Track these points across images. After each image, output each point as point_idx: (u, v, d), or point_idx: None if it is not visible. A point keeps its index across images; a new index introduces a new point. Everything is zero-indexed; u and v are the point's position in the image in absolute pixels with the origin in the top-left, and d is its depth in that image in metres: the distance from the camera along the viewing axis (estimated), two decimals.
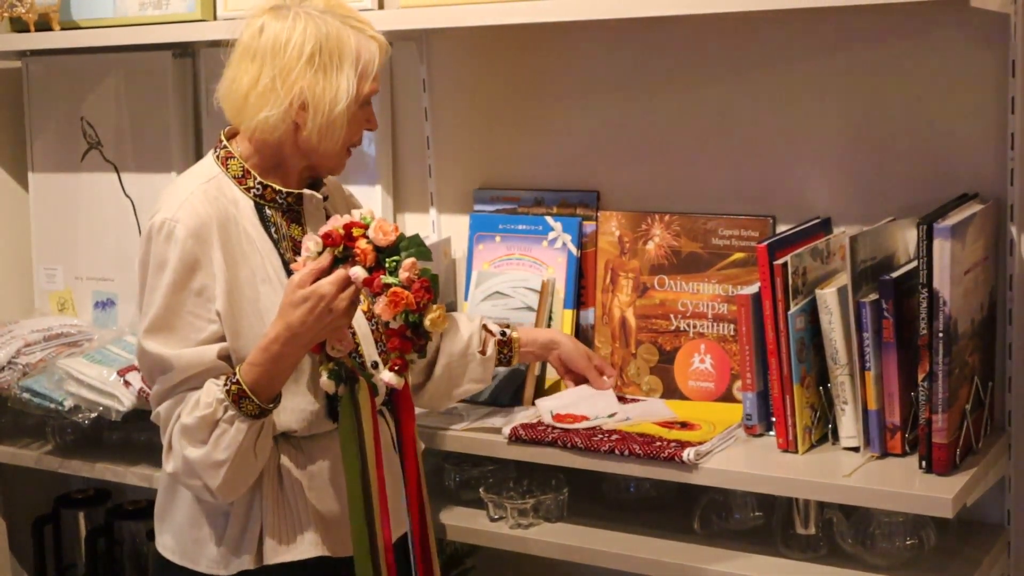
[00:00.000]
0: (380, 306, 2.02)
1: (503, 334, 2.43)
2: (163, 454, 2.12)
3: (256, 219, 2.15)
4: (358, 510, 2.09)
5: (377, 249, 2.02)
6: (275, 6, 2.12)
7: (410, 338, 2.06)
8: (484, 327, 2.43)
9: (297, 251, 2.12)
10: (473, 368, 2.41)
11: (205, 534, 2.15)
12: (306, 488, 2.16)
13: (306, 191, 2.18)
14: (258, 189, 2.16)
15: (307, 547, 2.14)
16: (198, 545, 2.16)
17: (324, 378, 2.09)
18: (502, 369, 2.57)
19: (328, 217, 2.15)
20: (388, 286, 2.01)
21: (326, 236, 2.02)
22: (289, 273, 2.09)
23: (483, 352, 2.41)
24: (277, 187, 2.16)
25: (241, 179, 2.16)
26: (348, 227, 2.03)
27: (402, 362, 2.09)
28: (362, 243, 2.02)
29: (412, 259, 2.02)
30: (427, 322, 2.04)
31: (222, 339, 2.08)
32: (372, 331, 2.22)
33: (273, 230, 2.16)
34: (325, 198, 2.22)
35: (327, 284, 2.01)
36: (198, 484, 2.07)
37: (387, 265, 2.02)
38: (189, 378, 2.06)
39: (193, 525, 2.17)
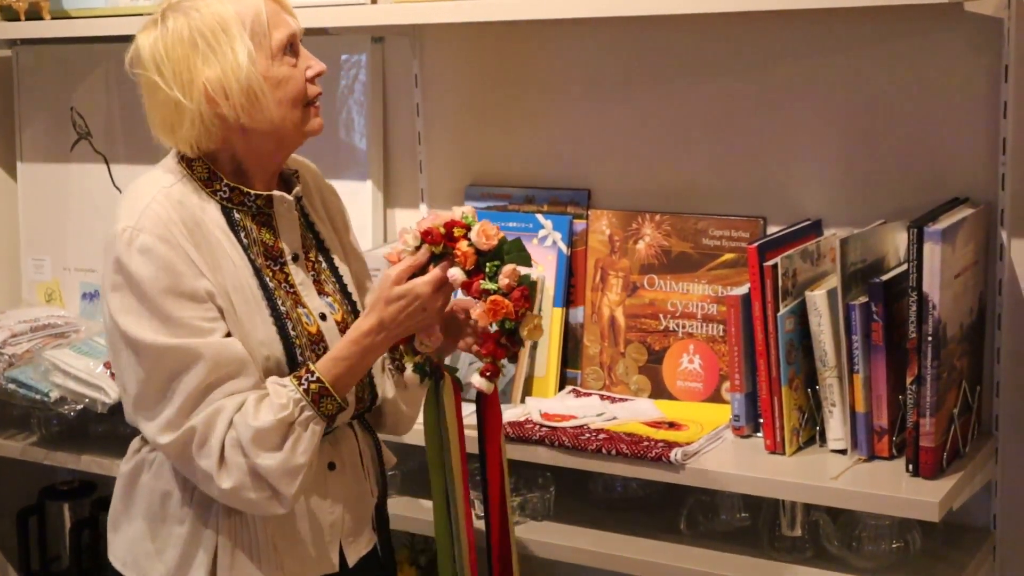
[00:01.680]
0: (478, 311, 1.98)
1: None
2: (212, 474, 1.92)
3: (224, 224, 2.03)
4: (441, 507, 2.09)
5: (478, 252, 1.97)
6: (143, 25, 2.03)
7: (504, 345, 2.01)
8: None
9: (270, 259, 2.06)
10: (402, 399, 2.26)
11: (160, 545, 2.05)
12: None
13: (276, 192, 2.07)
14: (225, 192, 2.04)
15: (267, 566, 2.04)
16: (151, 557, 2.06)
17: (409, 371, 2.07)
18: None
19: (306, 226, 2.13)
20: (487, 292, 1.97)
21: (426, 233, 1.98)
22: (261, 281, 2.02)
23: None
24: (246, 189, 2.05)
25: (207, 182, 2.04)
26: (449, 226, 1.98)
27: (494, 368, 2.03)
28: (463, 245, 1.97)
29: (513, 265, 1.97)
30: (524, 332, 2.00)
31: (230, 334, 1.96)
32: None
33: (243, 235, 2.04)
34: (298, 199, 2.13)
35: (423, 284, 1.97)
36: (265, 496, 1.93)
37: (487, 270, 1.97)
38: (225, 374, 1.92)
39: (147, 537, 2.07)
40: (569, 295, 2.67)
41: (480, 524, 2.22)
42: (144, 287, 1.91)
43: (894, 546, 2.28)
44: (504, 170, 2.74)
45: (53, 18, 3.10)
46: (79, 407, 2.92)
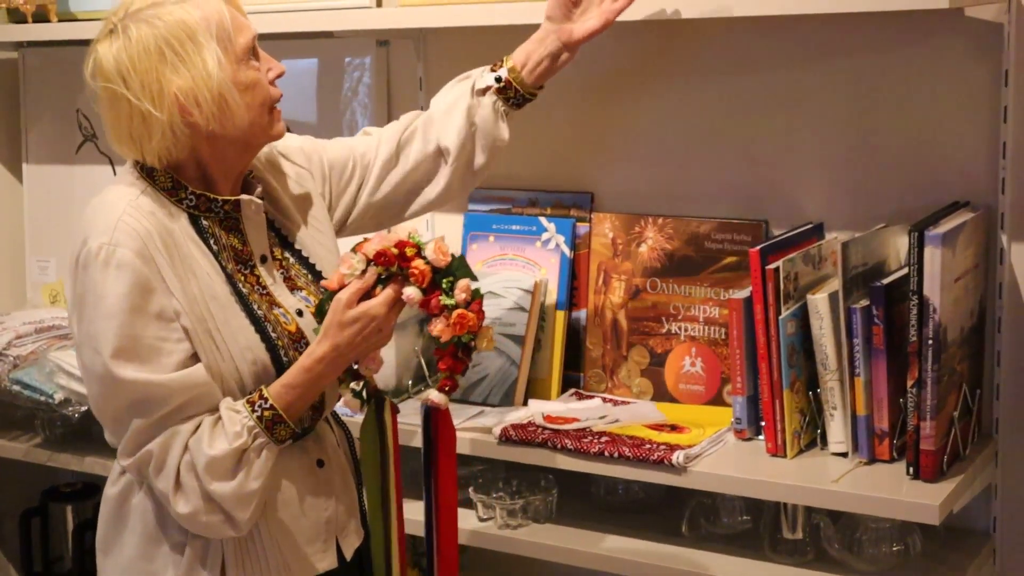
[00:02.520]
0: (439, 327, 1.97)
1: (499, 80, 2.26)
2: (168, 495, 1.93)
3: (194, 232, 2.00)
4: (378, 529, 2.07)
5: (434, 270, 1.97)
6: (100, 35, 1.98)
7: (461, 359, 2.01)
8: (478, 91, 2.27)
9: (240, 262, 2.04)
10: (479, 140, 2.27)
11: (157, 565, 2.03)
12: (269, 510, 2.03)
13: (243, 196, 2.04)
14: (192, 200, 2.00)
15: (272, 572, 2.03)
16: None
17: (348, 397, 2.05)
18: (494, 367, 2.59)
19: (270, 227, 2.11)
20: (447, 307, 1.97)
21: (378, 255, 1.96)
22: (234, 287, 2.01)
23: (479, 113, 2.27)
24: (212, 195, 2.01)
25: (172, 191, 2.00)
26: (401, 246, 1.97)
27: (452, 383, 2.04)
28: (419, 263, 1.96)
29: (467, 280, 1.98)
30: (483, 344, 2.00)
31: (196, 358, 1.94)
32: None
33: (212, 241, 2.01)
34: (262, 198, 2.09)
35: (379, 305, 1.96)
36: (218, 520, 1.93)
37: (443, 285, 1.97)
38: (182, 405, 1.92)
39: (144, 558, 2.04)
40: (572, 298, 2.67)
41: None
42: (118, 306, 1.89)
43: (895, 549, 2.29)
44: (507, 173, 2.75)
45: (60, 20, 3.11)
46: (83, 408, 2.91)
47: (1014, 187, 2.30)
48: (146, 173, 2.01)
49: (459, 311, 1.97)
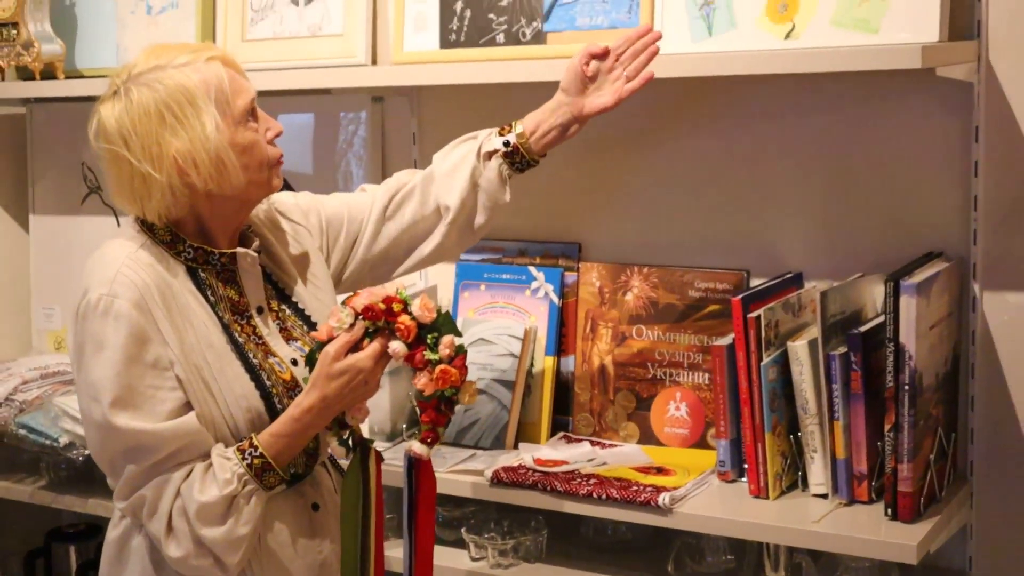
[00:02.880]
0: (423, 381, 1.98)
1: (507, 144, 2.23)
2: (160, 539, 1.94)
3: (191, 284, 2.01)
4: (350, 571, 2.05)
5: (419, 325, 1.97)
6: (104, 96, 2.00)
7: (444, 412, 2.01)
8: (485, 154, 2.25)
9: (237, 313, 2.05)
10: (481, 201, 2.26)
11: None
12: (264, 552, 2.04)
13: (239, 250, 2.05)
14: (190, 253, 2.01)
15: None
16: None
17: (335, 444, 2.05)
18: (485, 411, 2.59)
19: (266, 279, 2.11)
20: (430, 362, 1.97)
21: (366, 310, 1.96)
22: (230, 336, 2.01)
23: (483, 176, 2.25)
24: (209, 249, 2.02)
25: (171, 244, 2.01)
26: (388, 301, 1.97)
27: (434, 435, 2.03)
28: (405, 319, 1.97)
29: (451, 336, 1.98)
30: (465, 398, 2.01)
31: (189, 406, 1.95)
32: None
33: (209, 292, 2.02)
34: (259, 252, 2.10)
35: (366, 358, 1.96)
36: (208, 563, 1.94)
37: (428, 341, 1.98)
38: (174, 452, 1.93)
39: None
40: (560, 344, 2.67)
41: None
42: (115, 356, 1.90)
43: None
44: (498, 224, 2.73)
45: (66, 77, 3.13)
46: (87, 452, 2.88)
47: (985, 238, 2.32)
48: (146, 227, 2.02)
49: (442, 366, 1.97)
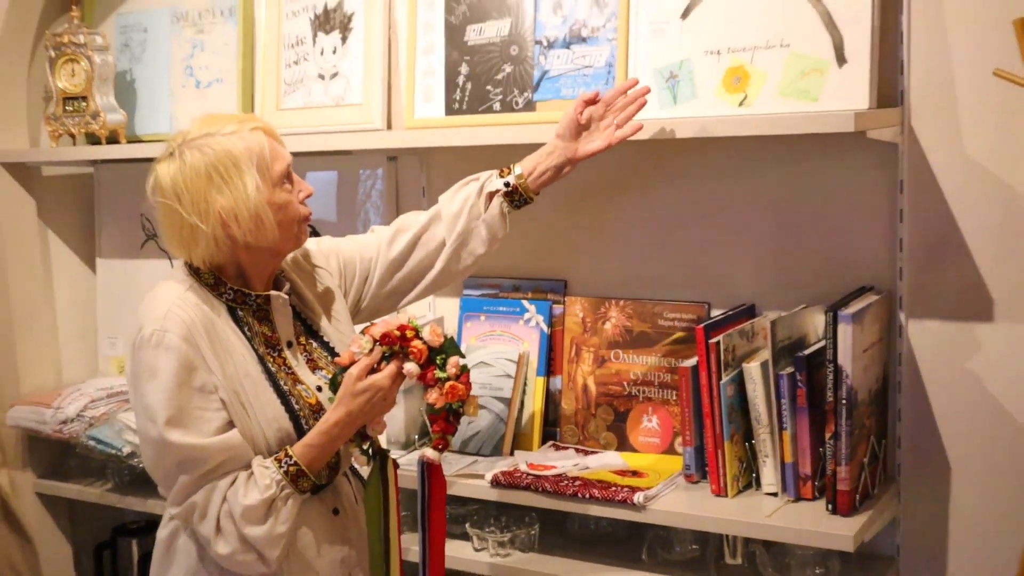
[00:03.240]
0: (434, 395, 1.97)
1: (507, 185, 2.20)
2: (209, 538, 1.93)
3: (231, 320, 2.00)
4: (378, 565, 2.04)
5: (430, 349, 1.97)
6: (161, 157, 1.99)
7: (452, 422, 2.00)
8: (487, 194, 2.23)
9: (270, 347, 2.03)
10: (478, 232, 2.23)
11: None
12: (292, 551, 2.02)
13: (272, 292, 2.04)
14: (230, 294, 2.01)
15: None
16: None
17: (357, 454, 2.03)
18: (485, 424, 2.57)
19: (296, 317, 2.10)
20: (440, 380, 1.97)
21: (383, 337, 1.96)
22: (264, 367, 2.00)
23: (486, 211, 2.22)
24: (247, 291, 2.02)
25: (214, 287, 2.00)
26: (402, 329, 1.97)
27: (444, 442, 2.02)
28: (418, 343, 1.96)
29: (456, 357, 1.97)
30: (470, 410, 2.00)
31: (231, 424, 1.95)
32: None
33: (246, 328, 2.01)
34: (289, 294, 2.09)
35: (384, 377, 1.95)
36: (252, 558, 1.93)
37: (437, 362, 1.97)
38: (220, 464, 1.92)
39: None
40: (549, 366, 2.66)
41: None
42: (167, 382, 1.89)
43: (817, 572, 2.28)
44: (495, 264, 2.75)
45: (128, 142, 3.14)
46: None
47: (909, 275, 2.31)
48: (193, 271, 2.02)
49: (451, 383, 1.97)
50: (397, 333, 1.97)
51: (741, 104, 2.30)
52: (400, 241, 2.25)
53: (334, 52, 2.85)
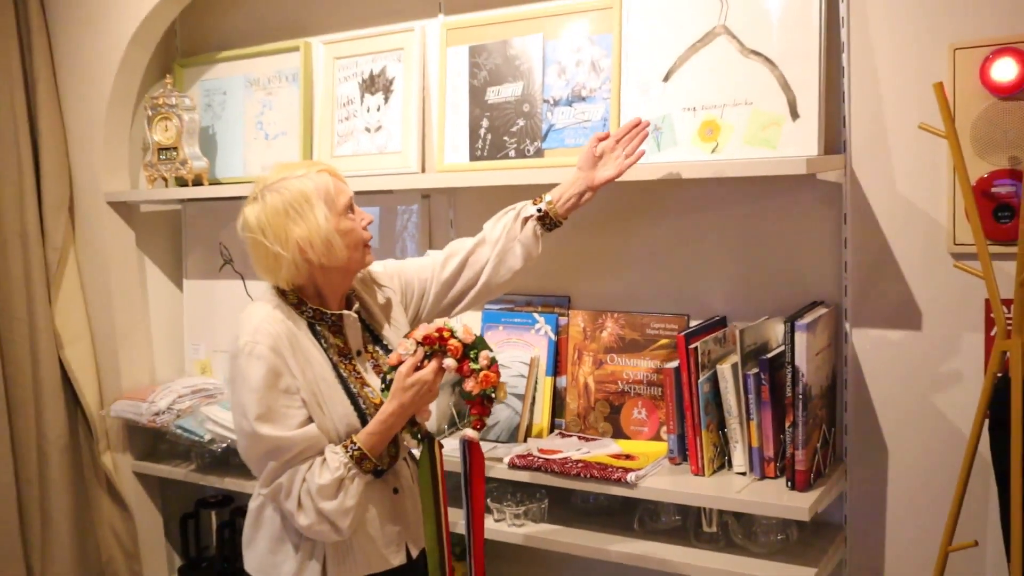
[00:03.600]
0: (470, 384, 1.97)
1: (539, 211, 2.21)
2: (293, 512, 1.94)
3: (310, 334, 2.00)
4: (432, 536, 2.03)
5: (464, 345, 1.98)
6: (247, 201, 2.00)
7: (486, 406, 1.99)
8: (522, 219, 2.22)
9: (342, 356, 2.03)
10: (514, 251, 2.22)
11: (281, 558, 2.04)
12: (359, 525, 2.02)
13: (345, 312, 2.04)
14: (310, 312, 2.01)
15: (359, 566, 2.03)
16: (275, 567, 2.04)
17: (408, 438, 2.04)
18: (504, 416, 2.57)
19: (364, 328, 2.09)
20: (475, 370, 1.97)
21: (425, 338, 1.96)
22: (337, 373, 2.00)
23: (521, 233, 2.21)
24: (324, 310, 2.03)
25: (297, 306, 2.01)
26: (440, 331, 1.97)
27: (481, 423, 2.01)
28: (454, 342, 1.97)
29: (486, 351, 1.98)
30: (500, 394, 2.00)
31: (310, 419, 1.96)
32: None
33: (322, 340, 2.01)
34: (358, 311, 2.08)
35: (429, 372, 1.95)
36: (327, 528, 1.94)
37: (471, 356, 1.98)
38: (301, 452, 1.93)
39: (272, 551, 2.05)
40: (556, 368, 2.66)
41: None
42: (257, 384, 1.91)
43: (779, 538, 2.29)
44: (513, 284, 2.75)
45: (210, 184, 3.16)
46: (224, 445, 2.93)
47: (853, 292, 2.32)
48: (280, 293, 2.03)
49: (483, 372, 1.97)
50: (436, 335, 1.98)
51: (713, 151, 2.31)
52: (451, 264, 2.25)
53: (378, 110, 2.88)
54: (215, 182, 3.19)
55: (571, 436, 2.59)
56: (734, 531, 2.31)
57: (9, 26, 3.16)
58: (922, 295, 2.25)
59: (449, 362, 1.97)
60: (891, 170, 2.25)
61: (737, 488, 2.19)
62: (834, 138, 2.28)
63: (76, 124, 3.25)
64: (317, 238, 1.95)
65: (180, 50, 3.36)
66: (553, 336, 2.67)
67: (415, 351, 1.98)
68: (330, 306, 2.05)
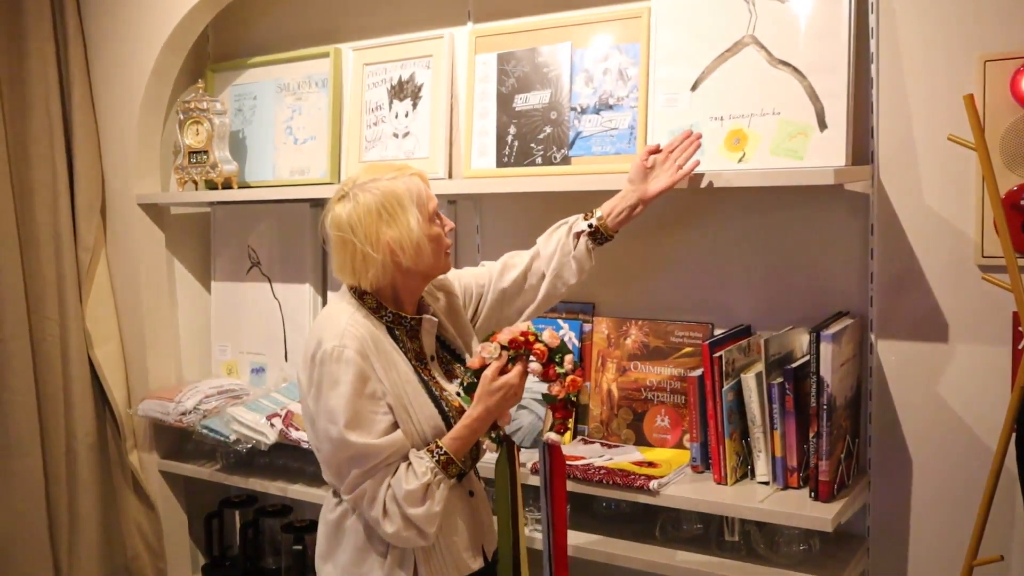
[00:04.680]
0: (556, 388, 1.95)
1: (590, 226, 2.19)
2: (378, 519, 1.89)
3: (389, 338, 1.97)
4: (507, 541, 2.01)
5: (550, 349, 1.95)
6: (338, 197, 1.96)
7: (569, 409, 1.98)
8: (574, 234, 2.20)
9: (418, 360, 2.00)
10: (569, 266, 2.20)
11: (367, 568, 1.98)
12: (445, 525, 1.99)
13: (425, 316, 2.02)
14: (389, 316, 1.98)
15: (449, 571, 1.99)
16: None
17: (488, 441, 2.01)
18: (527, 421, 2.56)
19: (438, 330, 2.06)
20: (561, 374, 1.95)
21: (512, 342, 1.94)
22: (419, 376, 1.97)
23: (575, 249, 2.19)
24: (403, 314, 1.99)
25: (375, 310, 1.98)
26: (525, 335, 1.95)
27: (564, 426, 2.00)
28: (539, 346, 1.94)
29: (570, 355, 1.95)
30: (584, 397, 1.99)
31: (395, 424, 1.92)
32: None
33: (400, 345, 1.98)
34: (434, 316, 2.06)
35: (515, 376, 1.92)
36: (413, 534, 1.90)
37: (556, 359, 1.95)
38: (386, 458, 1.89)
39: (356, 563, 1.99)
40: (580, 365, 2.65)
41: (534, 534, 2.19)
42: (346, 390, 1.87)
43: (802, 548, 2.27)
44: None
45: (239, 187, 3.16)
46: (248, 445, 2.92)
47: (879, 303, 2.30)
48: (357, 296, 1.99)
49: (571, 377, 1.95)
50: (522, 338, 1.95)
51: (740, 160, 2.30)
52: (509, 275, 2.24)
53: (406, 115, 2.87)
54: (244, 186, 3.19)
55: (594, 442, 2.58)
56: (756, 540, 2.29)
57: (47, 33, 3.19)
58: (949, 307, 2.23)
59: (535, 366, 1.94)
60: (919, 181, 2.23)
61: (760, 497, 2.17)
62: (862, 149, 2.26)
63: (109, 127, 3.27)
64: (408, 241, 1.92)
65: (212, 55, 3.38)
66: (577, 342, 2.66)
67: (499, 355, 1.95)
68: (406, 310, 2.01)
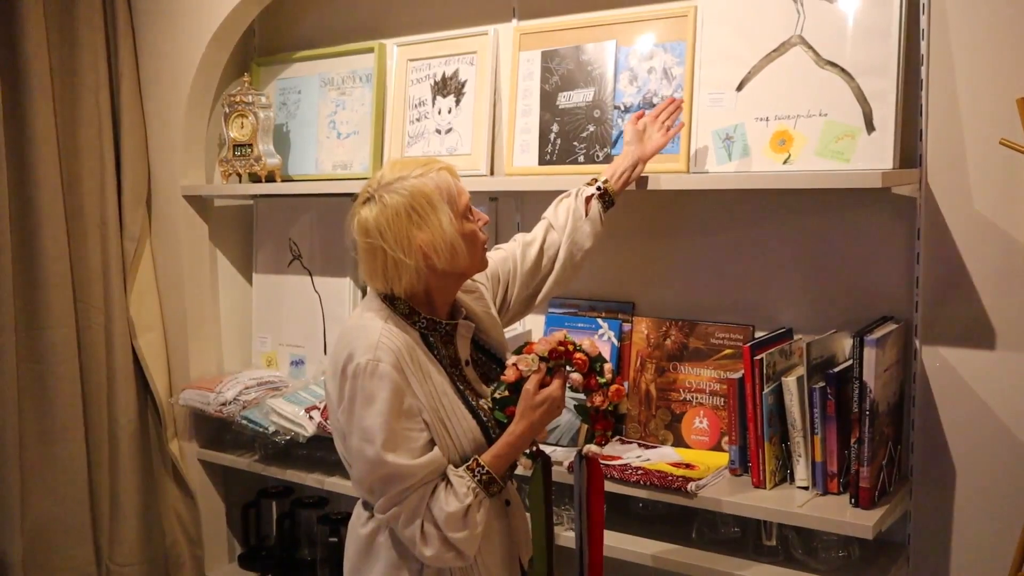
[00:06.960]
0: (598, 399, 1.88)
1: (599, 188, 2.17)
2: (415, 540, 1.79)
3: (424, 346, 1.85)
4: (541, 548, 1.94)
5: (590, 359, 1.88)
6: (363, 200, 1.84)
7: (610, 419, 1.91)
8: (584, 198, 2.17)
9: (453, 366, 1.90)
10: (583, 229, 2.15)
11: None
12: (482, 541, 1.89)
13: (461, 321, 1.92)
14: (423, 323, 1.87)
15: None
16: None
17: (523, 457, 1.91)
18: (564, 420, 2.54)
19: (473, 337, 1.97)
20: (602, 384, 1.88)
21: (552, 352, 1.85)
22: (455, 386, 1.87)
23: (587, 214, 2.15)
24: (437, 320, 1.88)
25: (408, 316, 1.86)
26: (564, 344, 1.87)
27: (605, 438, 1.92)
28: (579, 355, 1.86)
29: (610, 364, 1.89)
30: (624, 408, 1.92)
31: (432, 442, 1.82)
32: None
33: (435, 352, 1.87)
34: (467, 318, 1.96)
35: (556, 388, 1.84)
36: (452, 556, 1.80)
37: (596, 368, 1.88)
38: (423, 477, 1.79)
39: None
40: (619, 374, 2.62)
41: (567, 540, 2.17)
42: (383, 407, 1.76)
43: (840, 554, 2.24)
44: (576, 288, 2.74)
45: (282, 180, 3.17)
46: (287, 437, 2.93)
47: (924, 308, 2.26)
48: (388, 301, 1.88)
49: (614, 386, 1.89)
50: (561, 348, 1.87)
51: (785, 162, 2.26)
52: (531, 253, 2.17)
53: (449, 112, 2.86)
54: (287, 179, 3.20)
55: (631, 443, 2.56)
56: (794, 545, 2.27)
57: (97, 24, 3.22)
58: (997, 314, 2.18)
59: (576, 376, 1.87)
60: (968, 186, 2.18)
61: (799, 502, 2.14)
62: (910, 152, 2.22)
63: (156, 120, 3.29)
64: (442, 243, 1.81)
65: (258, 49, 3.39)
66: (616, 342, 2.64)
67: (538, 367, 1.86)
68: (440, 314, 1.91)
